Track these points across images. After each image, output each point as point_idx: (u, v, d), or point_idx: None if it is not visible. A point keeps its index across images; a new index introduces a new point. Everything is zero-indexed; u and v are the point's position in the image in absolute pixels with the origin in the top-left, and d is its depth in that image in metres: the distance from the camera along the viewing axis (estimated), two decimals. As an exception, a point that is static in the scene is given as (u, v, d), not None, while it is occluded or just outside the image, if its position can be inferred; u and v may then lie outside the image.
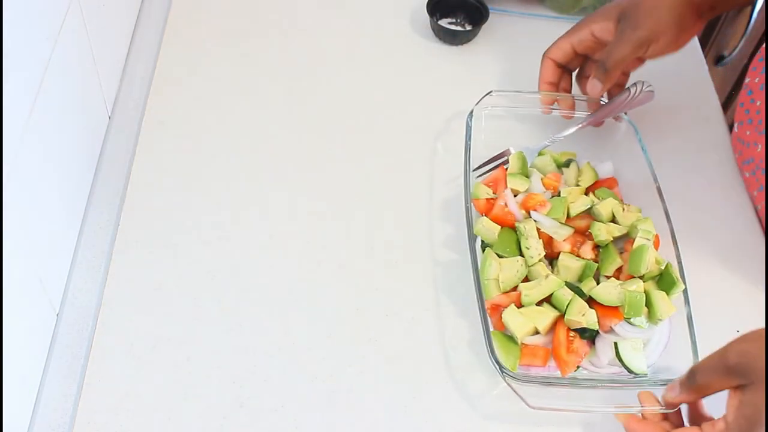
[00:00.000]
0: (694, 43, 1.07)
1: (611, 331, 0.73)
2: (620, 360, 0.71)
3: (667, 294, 0.74)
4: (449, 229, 0.83)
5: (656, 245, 0.77)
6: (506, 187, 0.80)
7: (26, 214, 0.64)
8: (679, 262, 0.76)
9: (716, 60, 1.61)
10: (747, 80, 0.89)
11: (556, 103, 0.89)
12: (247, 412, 0.69)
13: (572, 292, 0.73)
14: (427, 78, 0.98)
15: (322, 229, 0.82)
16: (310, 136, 0.90)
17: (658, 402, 0.67)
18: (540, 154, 0.86)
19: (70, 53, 0.75)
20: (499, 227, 0.77)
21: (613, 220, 0.80)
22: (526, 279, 0.75)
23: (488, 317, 0.72)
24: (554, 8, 1.07)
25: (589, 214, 0.80)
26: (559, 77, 0.89)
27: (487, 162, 0.85)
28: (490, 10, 1.02)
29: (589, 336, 0.72)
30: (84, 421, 0.67)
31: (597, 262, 0.77)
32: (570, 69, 0.90)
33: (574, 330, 0.72)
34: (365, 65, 0.99)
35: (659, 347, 0.73)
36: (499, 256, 0.76)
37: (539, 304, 0.73)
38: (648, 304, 0.73)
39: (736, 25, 1.56)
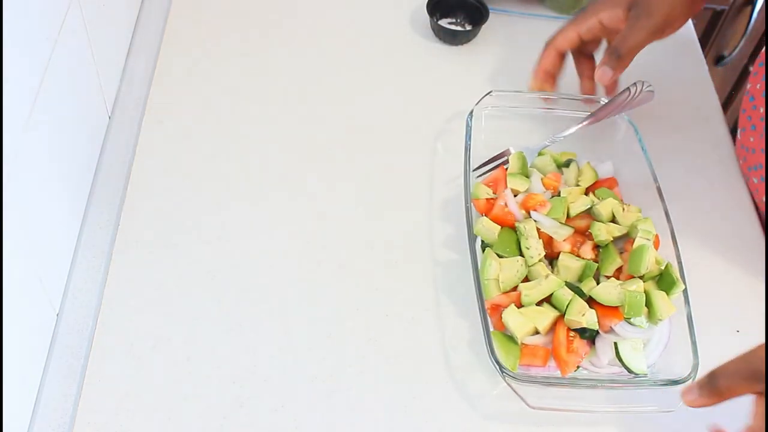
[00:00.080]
0: (694, 43, 1.07)
1: (611, 331, 0.73)
2: (620, 360, 0.71)
3: (667, 294, 0.74)
4: (449, 229, 0.83)
5: (656, 245, 0.77)
6: (506, 187, 0.80)
7: (26, 214, 0.64)
8: (679, 262, 0.76)
9: (716, 60, 1.61)
10: (748, 86, 0.89)
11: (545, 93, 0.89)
12: (247, 412, 0.69)
13: (572, 292, 0.73)
14: (427, 78, 0.98)
15: (322, 229, 0.82)
16: (309, 136, 0.90)
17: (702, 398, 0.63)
18: (540, 154, 0.86)
19: (70, 53, 0.75)
20: (499, 227, 0.77)
21: (613, 220, 0.80)
22: (526, 279, 0.75)
23: (488, 317, 0.72)
24: (554, 8, 1.07)
25: (589, 214, 0.80)
26: (557, 68, 0.88)
27: (487, 162, 0.85)
28: (490, 10, 1.02)
29: (589, 336, 0.72)
30: (84, 421, 0.67)
31: (597, 262, 0.77)
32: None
33: (574, 330, 0.72)
34: (365, 65, 0.99)
35: (659, 347, 0.73)
36: (499, 256, 0.76)
37: (539, 304, 0.73)
38: (648, 304, 0.73)
39: (736, 25, 1.56)
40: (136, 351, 0.72)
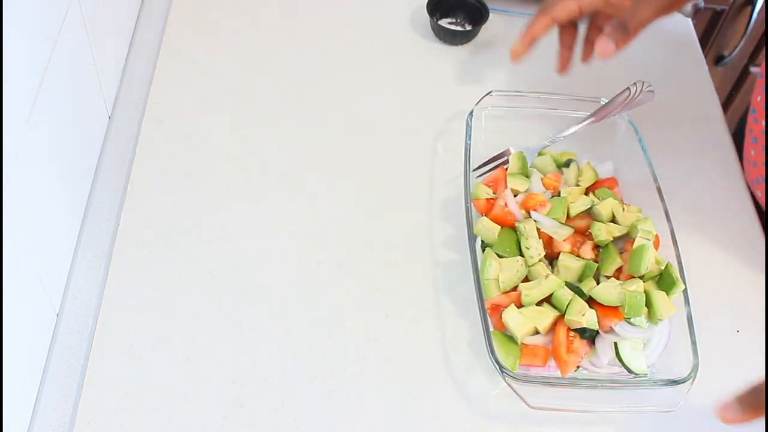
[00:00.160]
0: (694, 43, 1.07)
1: (611, 331, 0.73)
2: (620, 360, 0.71)
3: (667, 294, 0.74)
4: (449, 229, 0.83)
5: (656, 245, 0.77)
6: (506, 187, 0.80)
7: (26, 214, 0.64)
8: (679, 262, 0.76)
9: (716, 60, 1.61)
10: (750, 98, 0.88)
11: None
12: (247, 412, 0.69)
13: (572, 292, 0.73)
14: (427, 78, 0.98)
15: (322, 229, 0.82)
16: (310, 136, 0.90)
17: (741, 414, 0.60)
18: (540, 154, 0.86)
19: (70, 53, 0.75)
20: (499, 227, 0.77)
21: (613, 220, 0.80)
22: (526, 279, 0.75)
23: (488, 317, 0.72)
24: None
25: (589, 214, 0.80)
26: (544, 35, 0.84)
27: (487, 162, 0.85)
28: (490, 10, 1.02)
29: (589, 336, 0.72)
30: (84, 421, 0.67)
31: (597, 262, 0.77)
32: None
33: (574, 330, 0.72)
34: (365, 65, 0.99)
35: (659, 347, 0.73)
36: (499, 256, 0.76)
37: (539, 304, 0.73)
38: (648, 304, 0.73)
39: (736, 25, 1.56)
40: (136, 351, 0.72)
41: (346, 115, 0.93)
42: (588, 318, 0.71)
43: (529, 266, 0.75)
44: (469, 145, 0.83)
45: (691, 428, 0.72)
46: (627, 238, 0.79)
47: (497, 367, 0.69)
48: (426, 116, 0.93)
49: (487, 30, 1.03)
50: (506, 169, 0.83)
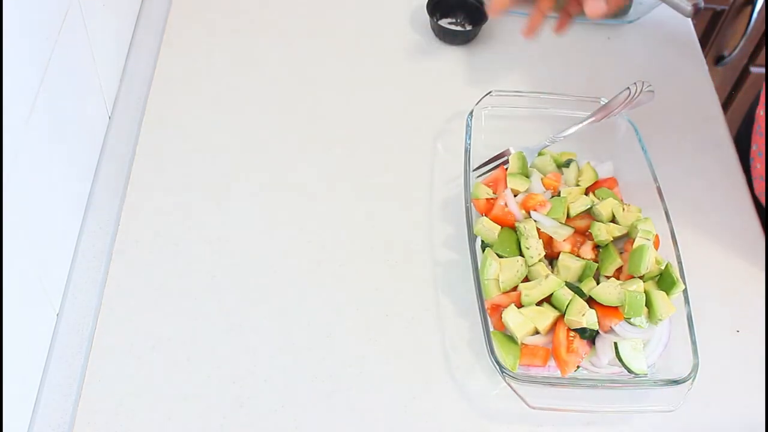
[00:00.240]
0: (694, 43, 1.07)
1: (611, 331, 0.73)
2: (620, 360, 0.71)
3: (667, 294, 0.73)
4: (449, 229, 0.83)
5: (656, 245, 0.77)
6: (506, 187, 0.80)
7: (26, 214, 0.64)
8: (679, 262, 0.76)
9: (716, 60, 1.61)
10: (748, 98, 0.88)
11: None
12: (247, 412, 0.69)
13: (572, 292, 0.73)
14: (427, 78, 0.98)
15: (322, 229, 0.82)
16: (309, 136, 0.90)
17: None
18: (540, 154, 0.86)
19: (70, 53, 0.75)
20: (499, 227, 0.77)
21: (613, 220, 0.80)
22: (526, 279, 0.75)
23: (488, 317, 0.72)
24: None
25: (589, 214, 0.80)
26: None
27: (487, 162, 0.85)
28: (490, 10, 1.02)
29: (589, 336, 0.72)
30: (84, 421, 0.67)
31: (597, 262, 0.77)
32: None
33: (574, 330, 0.72)
34: (365, 65, 0.99)
35: (659, 347, 0.73)
36: (499, 256, 0.76)
37: (539, 304, 0.73)
38: (648, 304, 0.73)
39: (736, 25, 1.56)
40: (136, 351, 0.72)
41: (346, 115, 0.93)
42: (588, 318, 0.71)
43: (529, 266, 0.75)
44: (469, 145, 0.83)
45: (691, 428, 0.72)
46: (627, 238, 0.79)
47: (497, 367, 0.69)
48: (426, 116, 0.93)
49: (487, 30, 1.03)
50: (506, 169, 0.83)
